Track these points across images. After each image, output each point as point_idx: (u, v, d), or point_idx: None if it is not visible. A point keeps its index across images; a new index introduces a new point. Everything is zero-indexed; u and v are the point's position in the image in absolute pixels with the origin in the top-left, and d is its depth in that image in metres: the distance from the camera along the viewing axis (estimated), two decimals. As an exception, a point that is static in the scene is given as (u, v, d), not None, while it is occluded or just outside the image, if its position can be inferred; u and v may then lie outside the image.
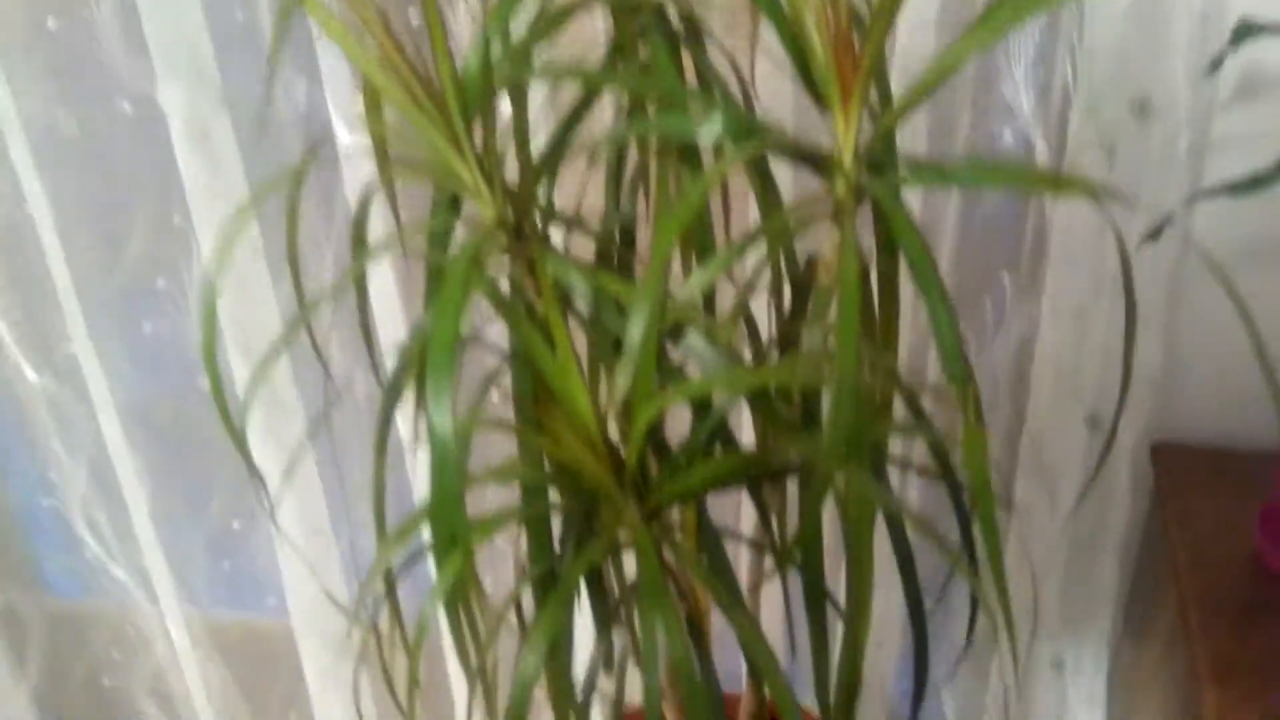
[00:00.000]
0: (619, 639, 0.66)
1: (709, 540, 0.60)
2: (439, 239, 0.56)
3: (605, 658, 0.64)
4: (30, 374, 1.12)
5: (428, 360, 0.50)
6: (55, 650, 1.36)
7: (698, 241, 0.57)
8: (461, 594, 0.54)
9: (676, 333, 0.56)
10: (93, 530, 1.23)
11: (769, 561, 0.66)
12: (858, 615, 0.58)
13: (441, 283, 0.51)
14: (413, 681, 0.55)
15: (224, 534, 1.15)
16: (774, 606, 0.68)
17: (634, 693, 0.63)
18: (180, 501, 1.14)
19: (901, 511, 0.57)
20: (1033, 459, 0.93)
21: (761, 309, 0.64)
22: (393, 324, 0.96)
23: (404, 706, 0.62)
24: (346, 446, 1.04)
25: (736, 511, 0.95)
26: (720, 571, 0.60)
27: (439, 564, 0.51)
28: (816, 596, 0.57)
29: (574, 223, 0.60)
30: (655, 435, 0.61)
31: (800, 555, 0.55)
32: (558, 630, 0.56)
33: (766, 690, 0.73)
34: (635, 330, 0.49)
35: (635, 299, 0.48)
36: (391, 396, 0.56)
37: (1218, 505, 0.90)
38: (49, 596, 1.38)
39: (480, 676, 0.63)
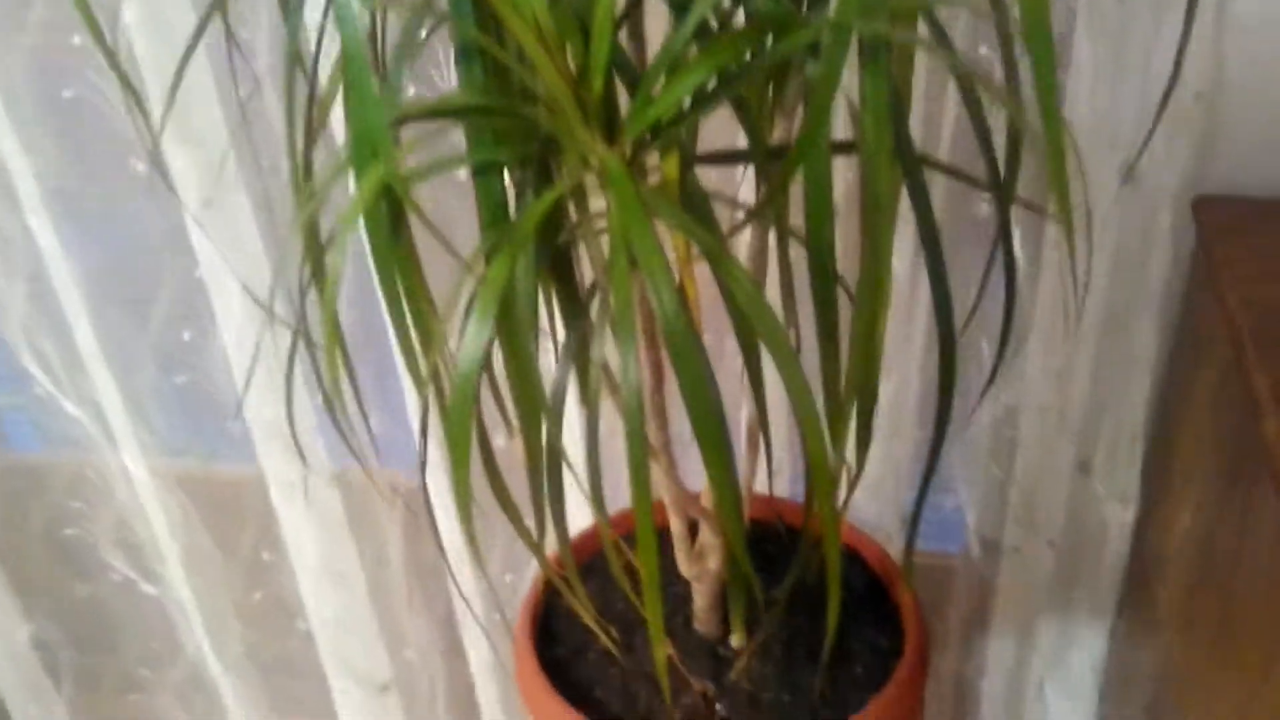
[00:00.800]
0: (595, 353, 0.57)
1: (694, 198, 0.51)
2: None
3: (576, 356, 0.54)
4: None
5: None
6: (12, 501, 1.28)
7: None
8: (393, 243, 0.44)
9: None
10: (39, 360, 1.14)
11: (758, 229, 0.56)
12: (876, 271, 0.48)
13: None
14: (333, 350, 0.46)
15: (174, 346, 1.06)
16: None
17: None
18: (124, 312, 1.05)
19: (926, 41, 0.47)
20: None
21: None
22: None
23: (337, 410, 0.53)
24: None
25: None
26: (707, 227, 0.50)
27: (358, 175, 0.41)
28: (821, 244, 0.47)
29: None
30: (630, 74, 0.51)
31: (804, 178, 0.45)
32: (511, 289, 0.47)
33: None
34: None
35: None
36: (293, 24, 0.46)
37: (1270, 250, 0.81)
38: (2, 449, 1.30)
39: (432, 381, 0.54)
